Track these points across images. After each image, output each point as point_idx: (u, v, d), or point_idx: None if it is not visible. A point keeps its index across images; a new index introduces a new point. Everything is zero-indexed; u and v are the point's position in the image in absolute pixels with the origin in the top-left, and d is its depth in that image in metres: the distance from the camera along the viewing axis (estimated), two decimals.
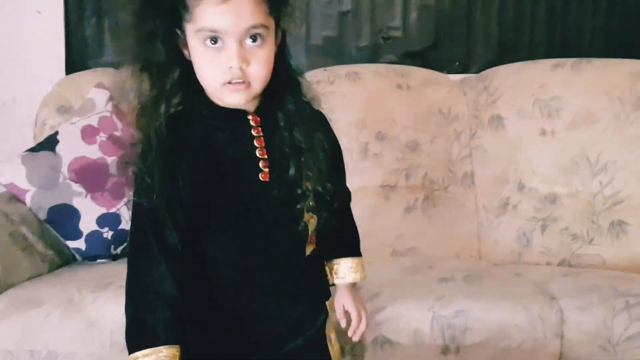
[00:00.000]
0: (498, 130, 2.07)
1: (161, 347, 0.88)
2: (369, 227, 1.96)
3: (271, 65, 0.96)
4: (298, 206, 1.01)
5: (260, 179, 0.99)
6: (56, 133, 1.79)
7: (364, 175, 2.06)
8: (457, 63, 2.32)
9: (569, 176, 1.96)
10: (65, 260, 1.79)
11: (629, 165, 1.90)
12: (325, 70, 2.16)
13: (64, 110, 1.99)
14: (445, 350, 1.40)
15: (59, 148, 1.75)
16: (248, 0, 0.89)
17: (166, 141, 0.93)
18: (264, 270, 1.01)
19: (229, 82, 0.92)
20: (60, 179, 1.72)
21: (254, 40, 0.92)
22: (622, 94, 1.95)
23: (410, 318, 1.41)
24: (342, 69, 2.15)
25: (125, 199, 1.78)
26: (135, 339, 0.91)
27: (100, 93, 1.90)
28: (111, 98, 1.90)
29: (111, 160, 1.79)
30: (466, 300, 1.44)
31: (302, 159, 1.01)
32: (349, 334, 1.15)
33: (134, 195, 0.97)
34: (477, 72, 2.26)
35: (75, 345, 1.38)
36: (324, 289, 1.14)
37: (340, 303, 1.18)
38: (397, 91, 2.12)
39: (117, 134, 1.83)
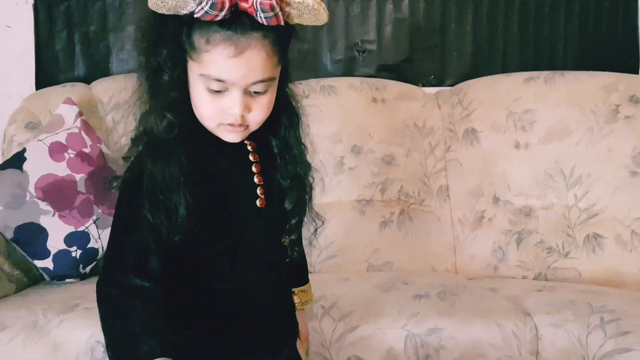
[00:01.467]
0: (472, 144, 2.07)
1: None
2: (344, 241, 1.96)
3: (272, 106, 0.94)
4: (292, 236, 1.07)
5: (257, 205, 0.99)
6: (23, 150, 1.75)
7: (339, 189, 2.04)
8: (432, 76, 2.32)
9: (543, 189, 1.96)
10: (33, 279, 1.75)
11: (604, 178, 1.91)
12: (300, 83, 2.14)
13: (33, 126, 1.95)
14: None
15: (26, 166, 1.71)
16: (260, 55, 0.86)
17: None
18: (256, 290, 1.02)
19: (228, 124, 0.92)
20: (27, 197, 1.68)
21: (260, 92, 0.91)
22: (596, 106, 1.96)
23: (384, 337, 1.39)
24: (317, 83, 2.14)
25: (94, 217, 1.75)
26: (126, 355, 0.88)
27: (69, 109, 1.86)
28: (80, 114, 1.87)
29: (79, 177, 1.75)
30: (440, 318, 1.42)
31: (299, 190, 1.03)
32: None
33: (124, 210, 0.94)
34: (452, 85, 2.26)
35: None
36: (293, 308, 1.17)
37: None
38: (372, 105, 2.11)
39: (86, 150, 1.79)
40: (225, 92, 0.88)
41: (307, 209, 1.08)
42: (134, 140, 0.96)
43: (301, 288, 1.21)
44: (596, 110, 1.95)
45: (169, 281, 0.97)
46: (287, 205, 1.02)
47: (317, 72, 2.27)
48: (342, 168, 2.06)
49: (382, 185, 2.06)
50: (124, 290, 0.89)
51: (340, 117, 2.09)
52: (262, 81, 0.88)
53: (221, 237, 0.98)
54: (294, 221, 1.05)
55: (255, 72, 0.87)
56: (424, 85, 2.28)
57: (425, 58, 2.31)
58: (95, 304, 1.37)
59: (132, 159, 0.96)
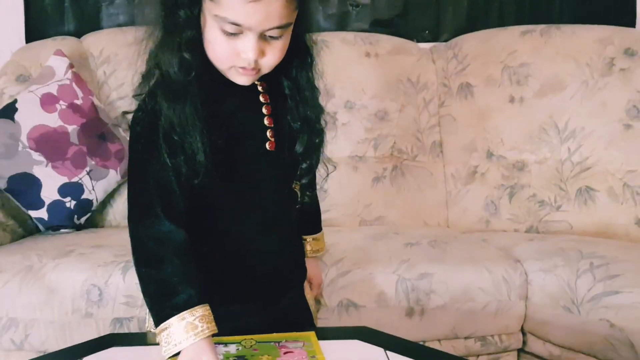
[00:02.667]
0: (467, 99, 2.08)
1: (197, 307, 0.88)
2: (337, 197, 1.98)
3: (285, 50, 0.93)
4: (303, 181, 1.07)
5: (267, 148, 1.00)
6: (15, 101, 1.76)
7: (332, 145, 1.98)
8: (426, 32, 2.32)
9: (537, 143, 1.98)
10: (29, 231, 1.77)
11: (597, 132, 1.93)
12: None
13: (23, 79, 1.96)
14: (409, 313, 1.42)
15: (17, 116, 1.72)
16: (279, 1, 0.85)
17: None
18: (265, 234, 1.04)
19: (240, 67, 0.91)
20: (20, 148, 1.70)
21: (276, 37, 0.90)
22: (591, 60, 1.97)
23: (375, 281, 1.43)
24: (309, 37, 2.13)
25: (87, 168, 1.77)
26: (163, 304, 0.88)
27: (59, 61, 1.86)
28: (71, 66, 1.87)
29: (72, 129, 1.76)
30: (430, 264, 1.46)
31: (309, 133, 1.02)
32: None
33: (142, 153, 0.93)
34: (447, 40, 2.26)
35: (35, 312, 1.36)
36: (302, 252, 1.21)
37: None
38: (366, 59, 2.12)
39: (77, 102, 1.80)
40: (240, 35, 0.86)
41: (319, 153, 1.07)
42: (145, 77, 0.95)
43: (314, 236, 1.22)
44: (591, 64, 1.97)
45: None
46: (298, 148, 1.02)
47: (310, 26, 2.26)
48: (335, 124, 2.07)
49: (375, 141, 2.08)
50: (157, 239, 0.90)
51: (333, 72, 2.07)
52: (279, 27, 0.87)
53: (231, 180, 0.99)
54: (304, 165, 1.05)
55: (273, 18, 0.85)
56: (418, 41, 2.28)
57: (420, 13, 2.31)
58: (91, 250, 1.42)
59: (143, 96, 0.95)
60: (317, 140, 1.04)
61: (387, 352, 0.96)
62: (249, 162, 1.00)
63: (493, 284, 1.44)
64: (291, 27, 0.92)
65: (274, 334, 1.02)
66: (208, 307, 0.89)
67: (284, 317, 1.08)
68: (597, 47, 1.97)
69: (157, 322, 0.88)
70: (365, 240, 1.61)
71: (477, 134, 2.05)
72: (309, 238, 1.23)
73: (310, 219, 1.23)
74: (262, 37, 0.88)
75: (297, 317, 1.14)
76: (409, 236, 1.63)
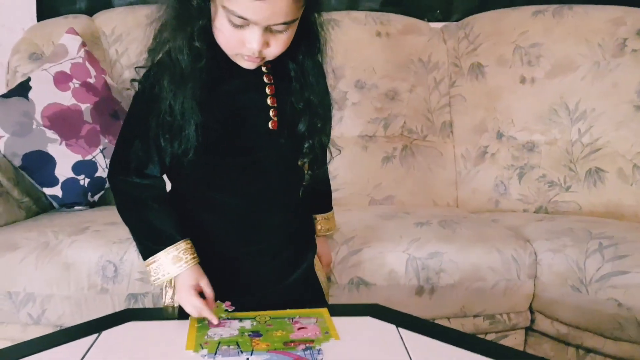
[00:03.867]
0: (478, 79, 2.08)
1: (180, 242, 0.98)
2: (347, 177, 1.99)
3: (290, 41, 0.95)
4: (305, 160, 1.08)
5: (270, 127, 1.02)
6: (28, 79, 1.77)
7: (342, 125, 2.06)
8: (437, 11, 2.30)
9: (547, 124, 1.98)
10: (43, 207, 1.80)
11: (608, 113, 1.92)
12: None
13: (36, 57, 1.96)
14: (419, 291, 1.44)
15: (31, 94, 1.74)
16: (286, 0, 0.87)
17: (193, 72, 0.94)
18: (265, 214, 1.06)
19: (245, 55, 0.94)
20: (34, 126, 1.71)
21: (281, 30, 0.91)
22: (603, 40, 1.96)
23: (385, 260, 1.44)
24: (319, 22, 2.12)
25: (100, 147, 1.78)
26: (149, 242, 1.00)
27: (72, 39, 1.87)
28: (83, 44, 1.88)
29: (85, 107, 1.77)
30: (441, 243, 1.47)
31: (311, 115, 1.04)
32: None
33: (138, 113, 1.00)
34: (458, 20, 2.25)
35: (52, 288, 1.39)
36: (312, 229, 1.22)
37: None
38: (377, 39, 2.11)
39: (91, 80, 1.81)
40: (246, 27, 0.89)
41: (322, 135, 1.08)
42: (151, 51, 0.97)
43: (324, 215, 1.24)
44: (603, 45, 1.95)
45: (185, 194, 1.06)
46: (300, 128, 1.04)
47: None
48: (345, 103, 2.07)
49: (385, 120, 2.08)
50: (134, 186, 1.00)
51: (344, 52, 2.08)
52: (284, 23, 0.89)
53: (233, 157, 1.02)
54: (307, 144, 1.06)
55: (278, 16, 0.88)
56: (429, 21, 2.27)
57: None
58: (106, 227, 1.44)
59: (148, 68, 0.98)
60: (318, 124, 1.06)
61: (400, 329, 0.97)
62: (252, 140, 1.02)
63: (502, 263, 1.45)
64: (297, 21, 0.93)
65: (288, 310, 1.04)
66: (189, 241, 1.00)
67: (295, 294, 1.10)
68: (610, 28, 1.96)
69: (145, 256, 1.00)
70: (376, 220, 1.62)
71: (488, 114, 2.05)
72: (319, 217, 1.25)
73: (320, 198, 1.24)
74: (268, 29, 0.91)
75: (308, 294, 1.15)
76: (419, 216, 1.64)
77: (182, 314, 1.02)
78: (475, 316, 1.48)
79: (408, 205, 1.95)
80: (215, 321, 0.97)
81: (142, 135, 0.98)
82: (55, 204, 1.77)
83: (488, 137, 2.05)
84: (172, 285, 1.05)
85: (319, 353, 0.88)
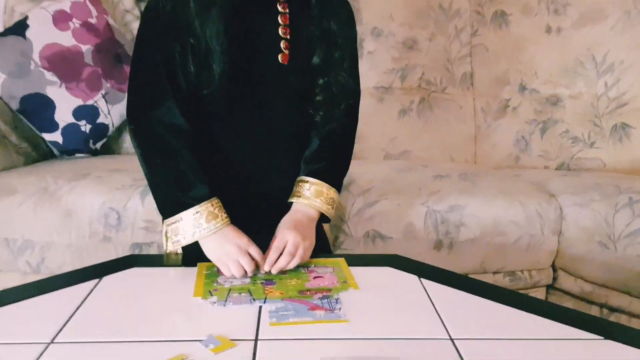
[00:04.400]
0: (501, 28, 1.99)
1: (214, 199, 0.92)
2: (361, 130, 1.86)
3: None
4: (318, 98, 0.99)
5: (279, 60, 0.96)
6: (26, 18, 1.69)
7: None
8: None
9: (572, 77, 1.90)
10: (42, 155, 1.74)
11: (637, 65, 1.83)
12: None
13: None
14: (438, 245, 1.38)
15: (29, 33, 1.66)
16: None
17: None
18: (271, 151, 1.00)
19: None
20: (32, 66, 1.64)
21: None
22: None
23: (403, 213, 1.38)
24: None
25: (102, 91, 1.71)
26: (182, 195, 0.91)
27: None
28: None
29: (86, 48, 1.70)
30: (461, 196, 1.41)
31: (329, 45, 0.97)
32: (261, 264, 0.93)
33: (155, 37, 0.93)
34: None
35: (52, 235, 1.34)
36: None
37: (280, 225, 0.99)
38: None
39: (92, 21, 1.73)
40: None
41: (339, 71, 0.98)
42: None
43: (317, 181, 1.01)
44: None
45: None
46: (315, 59, 0.97)
47: None
48: (361, 52, 1.98)
49: (402, 71, 2.00)
50: (172, 130, 0.92)
51: None
52: None
53: (238, 90, 0.95)
54: (321, 81, 0.99)
55: None
56: None
57: None
58: (108, 174, 1.37)
59: None
60: (336, 54, 0.97)
61: (422, 279, 0.92)
62: (259, 74, 0.96)
63: (526, 217, 1.39)
64: None
65: None
66: (219, 200, 0.93)
67: None
68: None
69: (174, 211, 0.91)
70: (393, 172, 1.56)
71: (511, 65, 1.96)
72: (310, 180, 1.01)
73: (324, 158, 1.03)
74: None
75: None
76: (438, 169, 1.58)
77: (186, 262, 0.96)
78: (495, 273, 1.43)
79: (424, 160, 1.88)
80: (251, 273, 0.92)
81: (159, 62, 0.91)
82: (55, 150, 1.71)
83: (510, 90, 1.96)
84: (173, 232, 0.95)
85: (336, 302, 0.83)
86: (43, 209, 1.34)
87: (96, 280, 0.89)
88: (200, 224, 0.90)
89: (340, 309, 0.81)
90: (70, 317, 0.77)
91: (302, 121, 1.02)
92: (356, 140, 1.89)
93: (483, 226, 1.37)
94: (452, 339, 0.73)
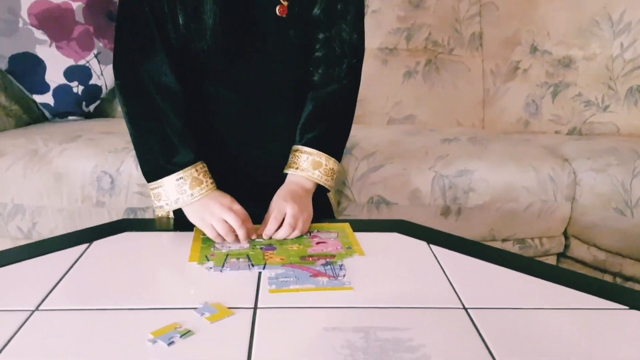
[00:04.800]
0: None
1: (199, 164, 0.87)
2: (363, 93, 1.80)
3: None
4: (317, 54, 0.93)
5: (277, 12, 0.89)
6: None
7: None
8: None
9: (587, 37, 1.83)
10: (34, 118, 1.68)
11: None
12: None
13: None
14: (445, 212, 1.33)
15: None
16: None
17: None
18: (267, 115, 0.95)
19: None
20: (20, 24, 1.57)
21: None
22: None
23: (409, 177, 1.33)
24: None
25: (95, 51, 1.64)
26: (165, 160, 0.87)
27: None
28: None
29: (77, 5, 1.62)
30: (471, 160, 1.35)
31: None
32: (260, 231, 0.89)
33: None
34: None
35: (42, 200, 1.29)
36: None
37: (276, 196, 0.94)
38: None
39: None
40: None
41: (345, 25, 0.92)
42: None
43: (313, 151, 0.95)
44: None
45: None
46: (316, 10, 0.91)
47: None
48: (365, 11, 1.91)
49: (408, 31, 1.93)
50: (161, 90, 0.87)
51: None
52: None
53: (238, 46, 0.89)
54: (321, 36, 0.92)
55: None
56: None
57: None
58: (101, 136, 1.32)
59: None
60: (339, 6, 0.91)
61: (431, 245, 0.87)
62: (254, 28, 0.90)
63: (538, 183, 1.33)
64: None
65: None
66: (205, 165, 0.89)
67: None
68: None
69: (156, 176, 0.87)
70: (399, 135, 1.50)
71: (522, 25, 1.89)
72: (306, 150, 0.95)
73: (321, 124, 0.97)
74: None
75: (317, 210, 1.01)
76: (445, 133, 1.52)
77: (178, 227, 0.92)
78: (504, 240, 1.38)
79: (430, 125, 1.82)
80: (246, 244, 0.85)
81: (147, 13, 0.85)
82: (47, 113, 1.65)
83: (521, 51, 1.90)
84: (156, 197, 0.90)
85: (340, 269, 0.78)
86: (33, 172, 1.29)
87: (85, 245, 0.85)
88: (184, 190, 0.86)
89: (344, 275, 0.76)
90: (57, 283, 0.72)
91: (305, 81, 0.96)
92: (359, 104, 1.84)
93: (493, 192, 1.32)
94: (465, 308, 0.68)
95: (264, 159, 0.97)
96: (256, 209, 0.91)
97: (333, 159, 0.96)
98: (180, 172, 0.86)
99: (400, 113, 1.88)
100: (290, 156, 0.96)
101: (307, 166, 0.94)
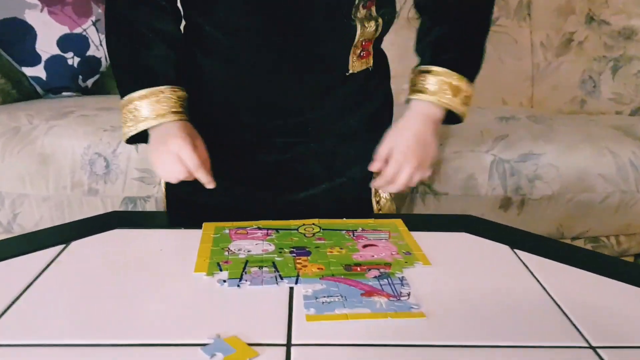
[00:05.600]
0: None
1: (162, 87, 0.72)
2: (396, 67, 1.63)
3: None
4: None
5: None
6: None
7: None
8: None
9: None
10: (25, 94, 1.48)
11: None
12: None
13: None
14: (505, 204, 1.13)
15: None
16: None
17: None
18: (289, 73, 0.75)
19: None
20: None
21: None
22: None
23: (462, 162, 1.13)
24: None
25: (93, 18, 1.45)
26: (127, 78, 0.74)
27: None
28: None
29: None
30: (536, 142, 1.15)
31: None
32: (372, 183, 0.77)
33: None
34: None
35: (25, 186, 1.11)
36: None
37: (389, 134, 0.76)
38: None
39: None
40: None
41: None
42: None
43: (444, 70, 0.75)
44: None
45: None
46: None
47: None
48: None
49: None
50: (153, 32, 0.74)
51: None
52: None
53: None
54: None
55: None
56: None
57: None
58: (95, 113, 1.12)
59: None
60: None
61: (515, 250, 0.65)
62: None
63: (617, 170, 1.14)
64: None
65: (345, 219, 0.72)
66: (185, 92, 0.74)
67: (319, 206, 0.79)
68: None
69: (127, 91, 0.73)
70: None
71: None
72: (433, 70, 0.75)
73: (452, 43, 0.79)
74: None
75: (345, 194, 0.82)
76: (498, 110, 1.31)
77: (182, 223, 0.71)
78: (574, 238, 1.19)
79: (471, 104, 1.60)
80: (211, 184, 0.71)
81: None
82: (38, 88, 1.47)
83: (575, 22, 1.71)
84: (125, 117, 0.77)
85: (402, 284, 0.57)
86: (13, 153, 1.10)
87: (60, 248, 0.64)
88: (143, 111, 0.72)
89: (408, 294, 0.55)
90: (8, 307, 0.52)
91: (344, 28, 0.74)
92: (391, 80, 1.64)
93: (564, 180, 1.12)
94: (592, 347, 0.47)
95: (277, 133, 0.78)
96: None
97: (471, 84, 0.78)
98: (154, 88, 0.72)
99: None
100: (413, 79, 0.77)
101: (436, 89, 0.74)
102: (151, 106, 0.71)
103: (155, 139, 0.72)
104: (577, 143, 1.14)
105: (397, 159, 0.72)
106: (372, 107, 0.82)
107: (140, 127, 0.72)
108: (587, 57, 1.68)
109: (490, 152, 1.12)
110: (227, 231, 0.69)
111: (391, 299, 0.54)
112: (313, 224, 0.71)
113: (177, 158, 0.69)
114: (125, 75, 0.75)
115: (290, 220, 0.72)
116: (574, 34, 1.70)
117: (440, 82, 0.75)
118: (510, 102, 1.71)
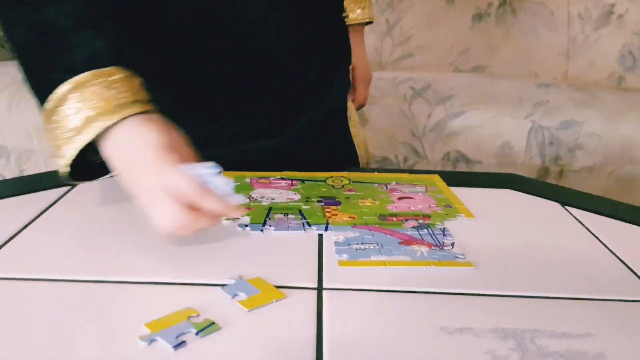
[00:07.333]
0: None
1: (112, 68, 0.49)
2: (425, 38, 1.62)
3: None
4: None
5: None
6: None
7: None
8: None
9: None
10: None
11: None
12: None
13: None
14: (543, 174, 1.08)
15: None
16: None
17: None
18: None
19: None
20: None
21: None
22: None
23: (498, 128, 1.07)
24: None
25: None
26: (52, 72, 0.50)
27: None
28: None
29: None
30: (578, 109, 1.09)
31: None
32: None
33: None
34: None
35: (32, 141, 1.07)
36: (343, 43, 0.79)
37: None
38: None
39: None
40: None
41: None
42: None
43: None
44: None
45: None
46: None
47: None
48: None
49: None
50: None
51: None
52: None
53: None
54: None
55: None
56: None
57: None
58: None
59: None
60: None
61: (567, 207, 0.60)
62: None
63: None
64: None
65: (376, 173, 0.67)
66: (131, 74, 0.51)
67: (301, 151, 0.72)
68: None
69: (45, 94, 0.50)
70: (475, 78, 1.23)
71: None
72: None
73: None
74: None
75: (332, 151, 0.77)
76: (536, 80, 1.24)
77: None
78: None
79: (503, 78, 1.54)
80: (241, 212, 0.47)
81: None
82: None
83: None
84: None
85: (444, 234, 0.52)
86: (19, 107, 1.04)
87: (64, 190, 0.60)
88: (107, 97, 0.48)
89: (452, 244, 0.50)
90: (9, 240, 0.47)
91: None
92: (417, 50, 1.58)
93: (608, 149, 1.06)
94: None
95: (268, 77, 0.68)
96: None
97: None
98: (99, 70, 0.49)
99: (467, 63, 1.64)
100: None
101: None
102: (101, 94, 0.48)
103: (127, 163, 0.48)
104: (623, 111, 1.08)
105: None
106: None
107: (92, 132, 0.47)
108: (627, 31, 1.62)
109: (529, 118, 1.06)
110: (247, 180, 0.64)
111: (433, 248, 0.49)
112: (342, 176, 0.67)
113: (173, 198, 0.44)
114: (47, 73, 0.51)
115: (316, 172, 0.67)
116: (614, 6, 1.64)
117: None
118: (543, 78, 1.65)
